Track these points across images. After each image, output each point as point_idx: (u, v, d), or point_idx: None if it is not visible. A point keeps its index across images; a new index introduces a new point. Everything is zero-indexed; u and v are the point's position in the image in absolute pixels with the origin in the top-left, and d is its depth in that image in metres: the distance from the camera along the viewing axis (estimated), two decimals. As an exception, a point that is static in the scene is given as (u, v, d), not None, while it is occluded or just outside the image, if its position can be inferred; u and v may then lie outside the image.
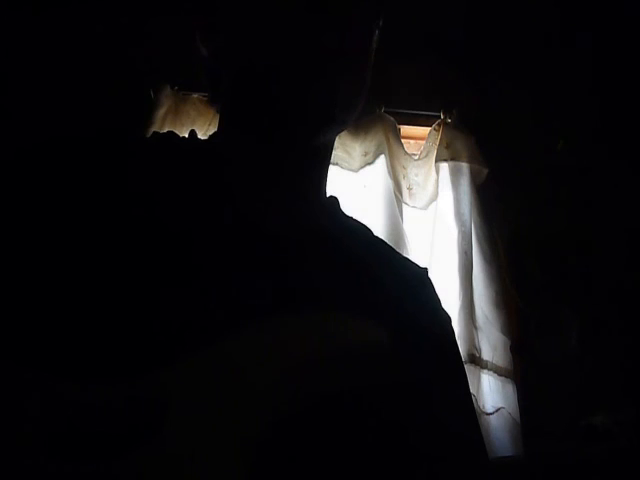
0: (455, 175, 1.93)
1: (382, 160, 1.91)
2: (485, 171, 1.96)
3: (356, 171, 1.90)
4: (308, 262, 0.56)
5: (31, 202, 0.49)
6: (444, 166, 1.94)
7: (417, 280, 0.65)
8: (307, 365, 0.40)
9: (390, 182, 1.89)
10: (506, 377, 1.76)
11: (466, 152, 1.95)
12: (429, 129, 2.00)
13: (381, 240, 0.68)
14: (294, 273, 0.53)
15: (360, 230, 0.67)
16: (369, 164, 1.91)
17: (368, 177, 1.90)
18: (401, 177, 1.94)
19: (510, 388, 1.75)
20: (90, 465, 0.35)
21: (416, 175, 1.97)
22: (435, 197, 1.94)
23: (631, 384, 1.83)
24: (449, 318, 0.65)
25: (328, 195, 0.67)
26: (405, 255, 0.69)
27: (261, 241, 0.54)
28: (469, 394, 0.63)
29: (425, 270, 0.67)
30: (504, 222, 1.94)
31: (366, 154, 1.91)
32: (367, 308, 0.48)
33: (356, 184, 1.88)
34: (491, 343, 1.78)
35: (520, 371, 1.80)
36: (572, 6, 1.98)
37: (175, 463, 0.35)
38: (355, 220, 0.68)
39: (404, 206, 1.92)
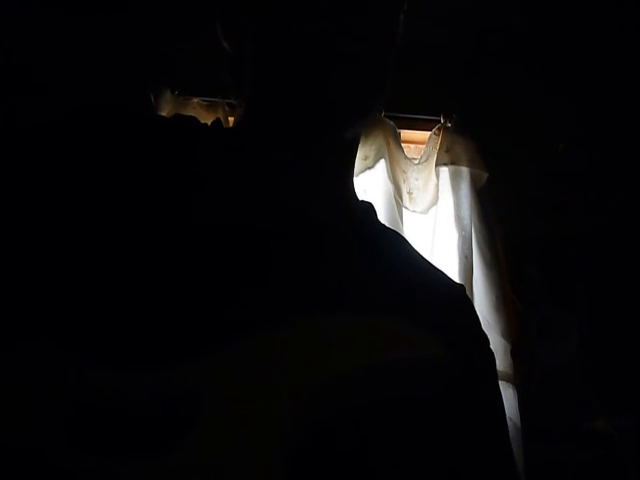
0: (455, 179, 1.93)
1: (382, 164, 1.91)
2: (485, 175, 1.96)
3: (356, 175, 1.89)
4: (355, 260, 0.54)
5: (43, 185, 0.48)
6: (444, 170, 1.94)
7: (456, 297, 0.62)
8: (353, 371, 0.39)
9: (390, 186, 1.89)
10: (506, 381, 1.76)
11: (466, 156, 1.95)
12: (429, 133, 2.00)
13: (418, 252, 0.65)
14: (341, 270, 0.51)
15: (398, 238, 0.64)
16: (369, 168, 1.91)
17: (368, 181, 1.90)
18: (401, 181, 1.94)
19: (510, 392, 1.75)
20: (116, 464, 0.33)
21: (416, 179, 1.97)
22: (435, 201, 1.94)
23: (631, 389, 1.83)
24: (487, 339, 0.63)
25: (361, 199, 0.65)
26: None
27: (306, 233, 0.52)
28: (505, 422, 0.62)
29: (462, 287, 0.64)
30: (504, 226, 1.94)
31: (366, 158, 1.91)
32: (413, 317, 0.46)
33: (356, 188, 1.87)
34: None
35: (520, 375, 1.80)
36: (571, 8, 1.99)
37: (209, 469, 0.33)
38: (392, 229, 0.65)
39: (404, 210, 1.92)
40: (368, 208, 0.65)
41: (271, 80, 0.55)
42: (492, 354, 0.62)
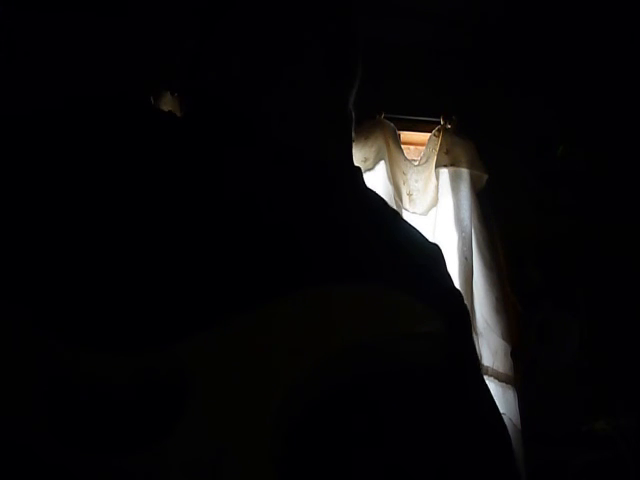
0: (455, 181, 1.93)
1: (382, 166, 1.91)
2: (485, 177, 1.96)
3: (356, 177, 1.90)
4: (352, 233, 0.54)
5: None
6: (444, 172, 1.94)
7: (432, 259, 0.64)
8: (345, 348, 0.38)
9: (390, 188, 1.89)
10: (507, 383, 1.76)
11: (466, 158, 1.95)
12: (429, 135, 2.00)
13: (397, 214, 0.67)
14: (333, 246, 0.51)
15: (380, 204, 0.66)
16: (369, 170, 1.91)
17: (368, 183, 1.89)
18: (401, 183, 1.94)
19: (511, 394, 1.75)
20: (107, 457, 0.32)
21: (416, 181, 1.97)
22: (435, 203, 1.94)
23: (632, 390, 1.82)
24: (461, 295, 0.64)
25: (356, 165, 0.66)
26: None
27: (301, 211, 0.53)
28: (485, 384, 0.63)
29: (437, 246, 0.66)
30: (504, 227, 1.94)
31: (366, 160, 1.91)
32: (418, 289, 0.46)
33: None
34: (491, 349, 1.78)
35: (521, 377, 1.80)
36: (571, 11, 1.99)
37: (200, 455, 0.32)
38: (373, 192, 0.67)
39: (404, 212, 1.92)
40: (354, 176, 0.66)
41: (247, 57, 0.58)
42: (467, 312, 0.63)
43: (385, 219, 0.61)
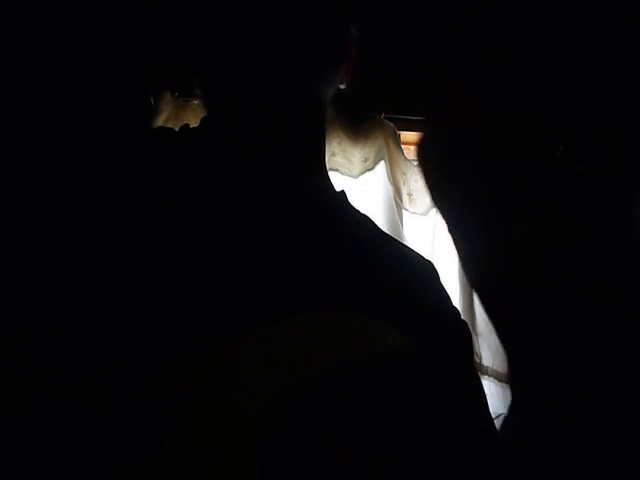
0: (455, 181, 1.93)
1: (382, 166, 1.91)
2: (485, 177, 1.96)
3: (356, 177, 1.90)
4: (324, 258, 0.55)
5: (30, 195, 0.49)
6: (444, 172, 1.94)
7: (426, 276, 0.65)
8: (319, 370, 0.40)
9: (390, 188, 1.89)
10: (507, 383, 1.76)
11: (466, 158, 1.95)
12: (429, 135, 2.00)
13: (386, 234, 0.68)
14: (310, 271, 0.52)
15: (368, 225, 0.66)
16: (369, 170, 1.91)
17: (368, 183, 1.90)
18: (401, 183, 1.94)
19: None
20: (100, 472, 0.33)
21: (416, 181, 1.97)
22: (435, 203, 1.94)
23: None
24: (458, 312, 0.64)
25: (340, 190, 0.67)
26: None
27: (277, 236, 0.53)
28: (484, 396, 0.62)
29: (431, 264, 0.67)
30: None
31: (366, 160, 1.91)
32: (383, 310, 0.48)
33: (356, 190, 1.88)
34: (491, 349, 1.78)
35: (521, 377, 1.79)
36: (572, 11, 1.99)
37: (184, 470, 0.34)
38: (362, 214, 0.67)
39: (404, 212, 1.92)
40: (340, 196, 0.67)
41: (244, 65, 0.60)
42: (465, 325, 0.63)
43: (368, 240, 0.62)
